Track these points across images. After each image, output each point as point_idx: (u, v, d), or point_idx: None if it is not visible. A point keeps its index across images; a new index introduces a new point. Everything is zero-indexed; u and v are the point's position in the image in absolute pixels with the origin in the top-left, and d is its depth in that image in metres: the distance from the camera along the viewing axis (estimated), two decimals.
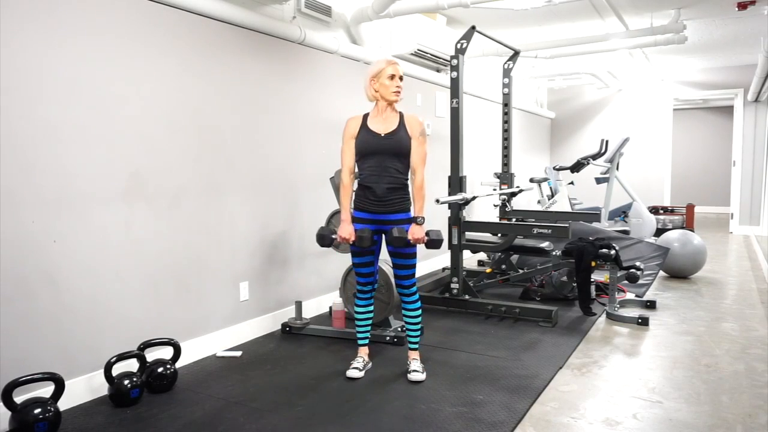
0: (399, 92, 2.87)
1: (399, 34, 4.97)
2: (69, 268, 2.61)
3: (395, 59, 2.95)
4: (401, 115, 2.92)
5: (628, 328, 3.83)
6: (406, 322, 3.00)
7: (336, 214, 3.72)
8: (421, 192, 2.87)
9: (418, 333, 3.01)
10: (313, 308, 4.20)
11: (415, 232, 2.83)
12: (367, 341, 3.11)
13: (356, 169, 2.95)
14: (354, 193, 2.97)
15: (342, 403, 2.64)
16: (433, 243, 2.92)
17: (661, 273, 5.44)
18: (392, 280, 3.50)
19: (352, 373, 2.95)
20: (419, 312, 2.99)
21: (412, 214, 2.90)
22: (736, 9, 5.24)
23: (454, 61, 4.07)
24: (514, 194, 4.99)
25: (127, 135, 2.85)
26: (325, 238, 3.00)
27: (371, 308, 3.07)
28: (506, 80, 5.17)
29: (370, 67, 2.90)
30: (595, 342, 3.55)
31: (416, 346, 3.02)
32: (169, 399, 2.72)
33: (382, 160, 2.85)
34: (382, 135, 2.85)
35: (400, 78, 2.88)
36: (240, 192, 3.55)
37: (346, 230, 2.87)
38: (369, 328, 3.10)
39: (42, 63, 2.48)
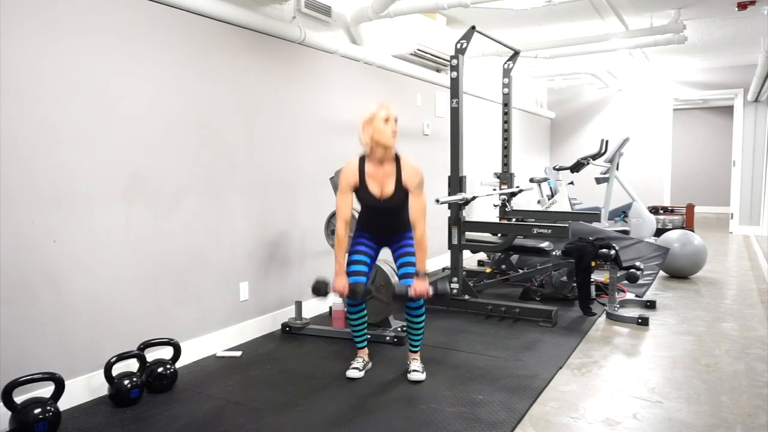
0: (395, 135, 2.82)
1: (399, 34, 4.98)
2: (69, 268, 2.61)
3: (387, 103, 2.89)
4: (398, 166, 2.86)
5: (628, 328, 3.83)
6: (409, 326, 2.99)
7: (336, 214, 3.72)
8: (421, 245, 2.84)
9: (420, 337, 3.00)
10: (313, 308, 4.20)
11: (417, 286, 2.79)
12: (365, 344, 3.10)
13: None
14: (356, 217, 3.01)
15: (342, 403, 2.64)
16: (438, 298, 2.83)
17: (661, 273, 5.44)
18: (392, 279, 3.50)
19: (351, 373, 2.95)
20: (423, 318, 2.96)
21: (414, 267, 2.86)
22: (736, 9, 5.25)
23: (454, 61, 4.06)
24: (514, 194, 4.99)
25: (126, 135, 2.85)
26: (321, 290, 2.93)
27: (364, 313, 3.04)
28: (506, 80, 5.17)
29: (364, 113, 2.85)
30: (595, 342, 3.55)
31: (417, 349, 3.01)
32: (169, 399, 2.72)
33: (381, 214, 2.92)
34: (380, 200, 2.86)
35: (395, 121, 2.83)
36: (240, 192, 3.55)
37: (340, 283, 2.86)
38: (365, 331, 3.08)
39: (42, 63, 2.48)
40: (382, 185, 2.85)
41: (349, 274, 2.90)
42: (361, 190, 2.87)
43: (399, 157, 2.88)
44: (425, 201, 2.87)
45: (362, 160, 2.88)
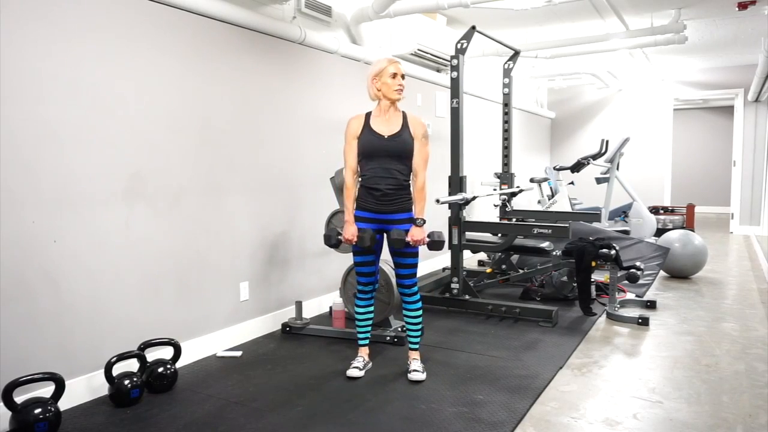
0: (401, 90, 2.88)
1: (399, 34, 4.97)
2: (69, 268, 2.61)
3: (396, 58, 2.94)
4: (404, 116, 2.93)
5: (628, 328, 3.83)
6: (407, 322, 3.00)
7: (336, 213, 3.73)
8: (422, 193, 2.88)
9: (419, 333, 3.01)
10: (313, 308, 4.20)
11: (414, 233, 2.83)
12: (367, 341, 3.11)
13: (359, 170, 2.96)
14: (356, 193, 2.97)
15: (342, 403, 2.64)
16: (434, 244, 2.92)
17: (662, 273, 5.44)
18: (393, 280, 3.50)
19: (352, 372, 2.95)
20: (420, 312, 2.98)
21: (414, 214, 2.90)
22: (737, 9, 5.24)
23: (455, 61, 4.06)
24: (514, 194, 4.99)
25: (127, 135, 2.85)
26: (331, 238, 3.02)
27: (372, 308, 3.08)
28: (506, 80, 5.17)
29: (372, 66, 2.91)
30: (595, 342, 3.55)
31: (417, 346, 3.01)
32: (169, 399, 2.72)
33: (385, 162, 2.86)
34: (386, 137, 2.85)
35: (402, 76, 2.89)
36: (240, 192, 3.55)
37: (349, 231, 2.89)
38: (369, 328, 3.10)
39: (42, 63, 2.48)
40: (388, 126, 2.88)
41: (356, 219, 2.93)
42: (365, 133, 2.87)
43: (405, 112, 2.94)
44: (429, 153, 2.95)
45: (368, 114, 2.94)
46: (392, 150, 2.85)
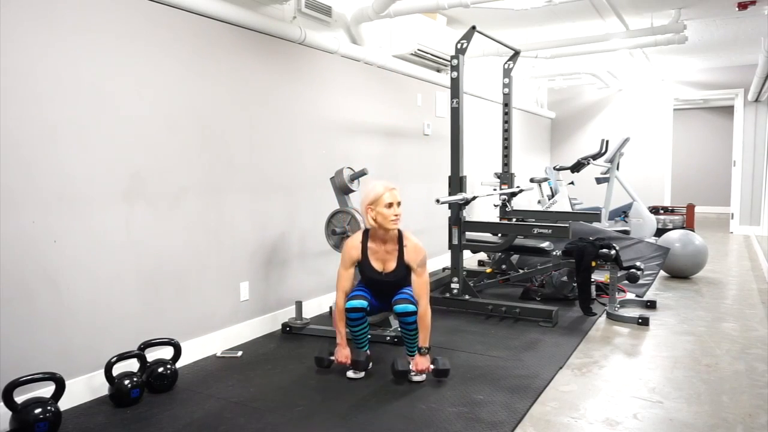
0: (397, 221, 2.86)
1: (399, 34, 4.98)
2: (69, 268, 2.61)
3: (392, 185, 2.88)
4: (401, 242, 2.90)
5: (628, 328, 3.83)
6: (404, 336, 2.96)
7: (336, 213, 3.72)
8: (424, 321, 2.85)
9: (415, 344, 2.98)
10: (313, 308, 4.20)
11: (419, 363, 2.81)
12: (367, 347, 3.08)
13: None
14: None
15: (342, 403, 2.64)
16: (439, 372, 2.85)
17: (662, 273, 5.44)
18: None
19: (352, 373, 2.95)
20: (415, 327, 2.92)
21: (419, 343, 2.85)
22: (737, 9, 5.25)
23: (455, 61, 4.07)
24: (514, 194, 4.99)
25: (127, 135, 2.85)
26: (324, 360, 2.99)
27: (366, 326, 3.02)
28: (506, 80, 5.18)
29: (367, 193, 2.87)
30: (595, 342, 3.55)
31: (413, 353, 3.00)
32: (169, 399, 2.72)
33: (383, 284, 2.97)
34: (383, 274, 2.92)
35: (399, 204, 2.85)
36: (240, 192, 3.55)
37: (342, 354, 2.90)
38: (367, 337, 3.06)
39: (42, 63, 2.48)
40: (384, 262, 2.93)
41: (350, 299, 2.91)
42: (363, 264, 2.94)
43: (402, 235, 2.92)
44: (428, 279, 2.92)
45: (365, 235, 2.94)
46: (391, 282, 2.95)
